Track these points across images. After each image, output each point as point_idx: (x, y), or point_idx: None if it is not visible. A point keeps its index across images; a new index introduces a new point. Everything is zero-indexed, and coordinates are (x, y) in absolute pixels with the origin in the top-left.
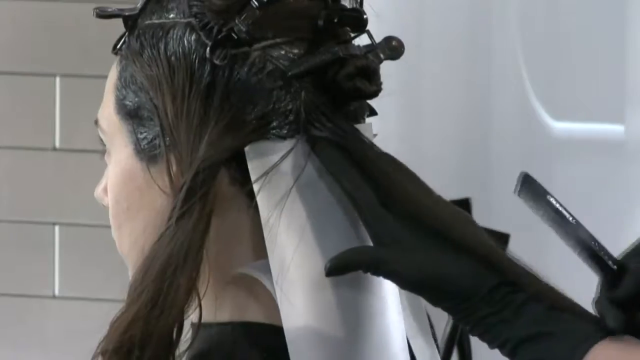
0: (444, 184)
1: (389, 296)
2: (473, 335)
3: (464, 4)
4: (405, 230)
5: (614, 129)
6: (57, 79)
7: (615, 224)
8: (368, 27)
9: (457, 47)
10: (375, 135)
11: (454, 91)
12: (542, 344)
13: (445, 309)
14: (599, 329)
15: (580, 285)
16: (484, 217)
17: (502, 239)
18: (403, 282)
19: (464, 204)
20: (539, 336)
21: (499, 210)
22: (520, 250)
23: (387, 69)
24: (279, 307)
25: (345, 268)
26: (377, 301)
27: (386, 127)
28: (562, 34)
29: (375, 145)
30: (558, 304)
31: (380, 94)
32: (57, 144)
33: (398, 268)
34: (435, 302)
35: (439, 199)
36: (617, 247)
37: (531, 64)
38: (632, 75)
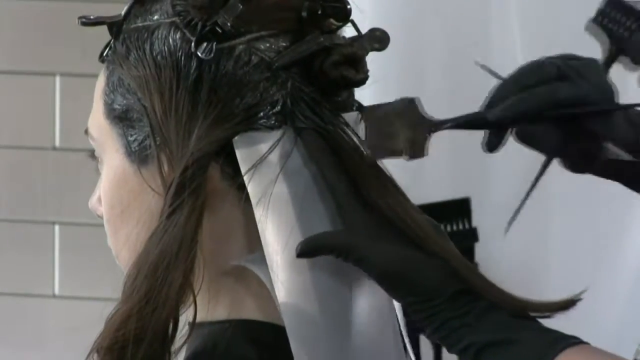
0: (442, 183)
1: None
2: (434, 339)
3: (463, 3)
4: (376, 222)
5: None
6: (57, 78)
7: (615, 223)
8: (374, 25)
9: (456, 47)
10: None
11: (452, 90)
12: (508, 350)
13: (408, 305)
14: (563, 336)
15: (580, 281)
16: (482, 216)
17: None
18: (371, 271)
19: (463, 204)
20: (504, 342)
21: (497, 209)
22: (518, 248)
23: (387, 69)
24: (275, 290)
25: (316, 251)
26: (369, 284)
27: None
28: (562, 34)
29: (355, 139)
30: (520, 313)
31: (380, 89)
32: (57, 143)
33: (368, 256)
34: (399, 296)
35: (408, 202)
36: (617, 247)
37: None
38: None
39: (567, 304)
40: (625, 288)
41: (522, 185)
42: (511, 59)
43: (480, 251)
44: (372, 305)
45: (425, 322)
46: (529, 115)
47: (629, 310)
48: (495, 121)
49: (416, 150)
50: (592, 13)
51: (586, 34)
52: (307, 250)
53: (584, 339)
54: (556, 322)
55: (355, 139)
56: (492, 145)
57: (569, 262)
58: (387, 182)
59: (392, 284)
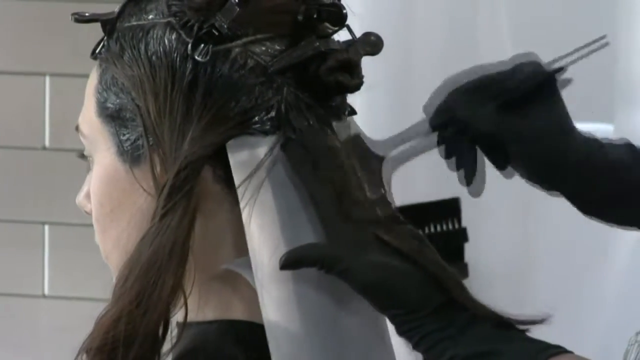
0: (434, 182)
1: None
2: (418, 350)
3: (452, 2)
4: (359, 235)
5: (603, 128)
6: (47, 78)
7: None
8: (367, 32)
9: (444, 46)
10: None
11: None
12: None
13: (391, 317)
14: (547, 346)
15: (568, 280)
16: (473, 215)
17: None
18: (354, 283)
19: (453, 203)
20: (487, 354)
21: (488, 208)
22: (507, 248)
23: (378, 67)
24: (259, 298)
25: (298, 263)
26: (353, 294)
27: (376, 124)
28: (551, 34)
29: (344, 149)
30: (504, 322)
31: (372, 92)
32: (47, 143)
33: (350, 268)
34: (382, 307)
35: (394, 213)
36: (606, 246)
37: None
38: (621, 75)
39: (541, 320)
40: (613, 288)
41: (512, 186)
42: (500, 59)
43: (470, 251)
44: (360, 317)
45: (408, 334)
46: (465, 108)
47: (617, 310)
48: (437, 125)
49: (375, 185)
50: (581, 13)
51: (575, 34)
52: (290, 262)
53: (572, 340)
54: (544, 325)
55: (342, 150)
56: (448, 155)
57: (558, 262)
58: (371, 192)
59: (375, 296)
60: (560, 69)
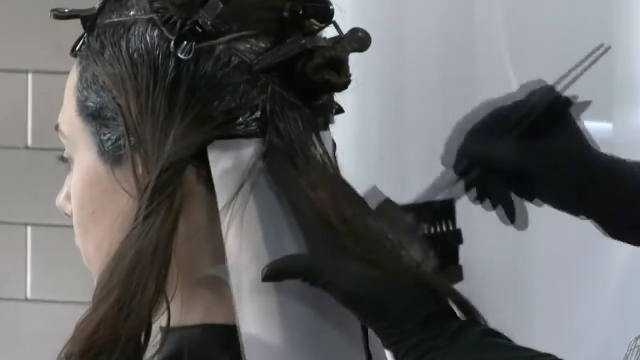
0: (428, 184)
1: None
2: None
3: (447, 3)
4: (342, 245)
5: (602, 127)
6: (30, 76)
7: None
8: (357, 26)
9: (439, 43)
10: (335, 146)
11: (438, 91)
12: None
13: (378, 330)
14: (537, 355)
15: (564, 283)
16: (468, 217)
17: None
18: (340, 296)
19: (448, 205)
20: None
21: (481, 211)
22: (503, 250)
23: (369, 64)
24: (236, 310)
25: (281, 275)
26: (333, 307)
27: (369, 123)
28: (549, 34)
29: (329, 160)
30: (492, 330)
31: (365, 91)
32: (30, 143)
33: (335, 280)
34: (370, 321)
35: (377, 223)
36: (606, 249)
37: (518, 64)
38: (619, 74)
39: None
40: (612, 291)
41: None
42: (497, 59)
43: (465, 253)
44: (344, 329)
45: (396, 347)
46: (485, 146)
47: (616, 314)
48: (462, 170)
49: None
50: (579, 12)
51: (573, 34)
52: (273, 274)
53: (570, 345)
54: (542, 326)
55: (322, 158)
56: (481, 198)
57: (555, 265)
58: (354, 203)
59: (361, 308)
60: (570, 101)
